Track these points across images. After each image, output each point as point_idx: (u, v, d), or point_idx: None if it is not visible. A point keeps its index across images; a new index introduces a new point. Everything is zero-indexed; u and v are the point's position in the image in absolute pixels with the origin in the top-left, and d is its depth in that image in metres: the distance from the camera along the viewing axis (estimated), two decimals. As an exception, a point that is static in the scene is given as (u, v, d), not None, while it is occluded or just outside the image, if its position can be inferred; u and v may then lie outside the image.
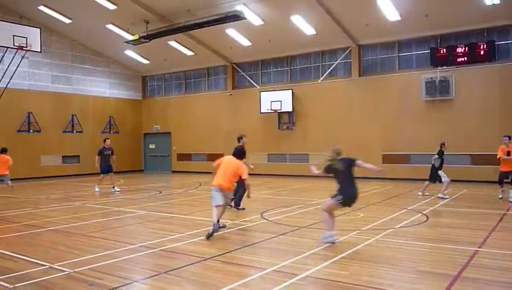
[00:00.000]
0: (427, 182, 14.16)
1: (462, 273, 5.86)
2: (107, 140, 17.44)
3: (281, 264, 6.32)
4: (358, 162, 7.68)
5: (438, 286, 5.37)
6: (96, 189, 16.77)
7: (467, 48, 18.02)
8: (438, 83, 18.42)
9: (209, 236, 8.02)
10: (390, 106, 19.93)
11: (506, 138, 12.68)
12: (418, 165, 18.99)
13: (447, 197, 13.55)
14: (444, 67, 18.43)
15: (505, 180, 12.84)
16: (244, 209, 11.59)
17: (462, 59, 18.11)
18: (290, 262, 6.43)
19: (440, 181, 13.66)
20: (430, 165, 14.07)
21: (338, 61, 21.73)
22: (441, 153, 13.87)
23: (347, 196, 7.56)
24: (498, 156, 12.80)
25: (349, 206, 7.82)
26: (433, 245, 7.50)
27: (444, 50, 18.49)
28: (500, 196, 12.92)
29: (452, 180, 17.37)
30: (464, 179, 17.76)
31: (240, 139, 11.70)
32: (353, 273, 5.90)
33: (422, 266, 6.28)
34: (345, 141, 20.95)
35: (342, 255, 6.76)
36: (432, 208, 11.47)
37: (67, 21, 22.68)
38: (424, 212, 10.85)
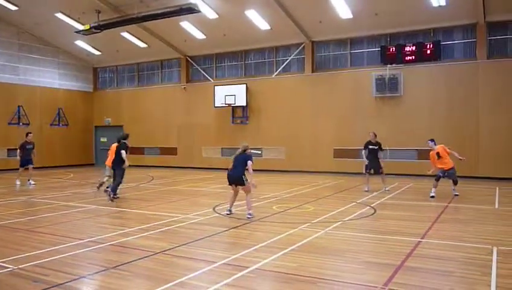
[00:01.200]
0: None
1: (405, 263, 6.13)
2: (29, 134, 16.91)
3: (231, 257, 6.39)
4: (249, 162, 9.63)
5: (382, 275, 5.59)
6: (17, 182, 16.31)
7: (414, 47, 18.69)
8: (388, 80, 19.01)
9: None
10: (342, 102, 20.39)
11: (431, 143, 12.81)
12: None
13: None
14: (393, 65, 19.04)
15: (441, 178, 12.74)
16: (118, 197, 12.39)
17: (410, 58, 18.77)
18: (240, 255, 6.50)
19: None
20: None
21: (292, 57, 21.99)
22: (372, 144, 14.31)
23: (229, 175, 9.86)
24: (431, 161, 12.83)
25: (232, 183, 9.84)
26: (379, 237, 7.79)
27: (393, 48, 19.10)
28: (432, 195, 12.48)
29: (399, 174, 18.07)
30: (410, 173, 18.47)
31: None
32: (302, 265, 6.05)
33: (368, 257, 6.53)
34: (298, 136, 21.36)
35: (291, 248, 6.90)
36: (379, 201, 11.87)
37: (14, 8, 21.65)
38: (372, 205, 11.21)
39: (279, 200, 12.36)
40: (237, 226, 8.66)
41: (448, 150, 12.70)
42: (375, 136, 14.54)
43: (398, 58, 18.93)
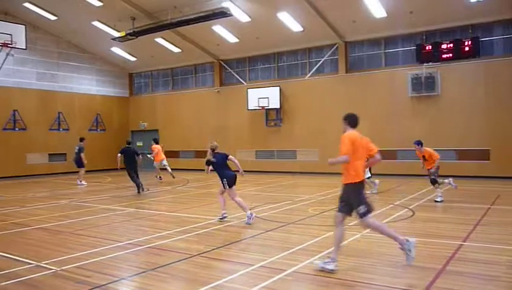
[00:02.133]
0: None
1: (447, 266, 5.96)
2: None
3: (269, 260, 6.37)
4: (231, 157, 9.74)
5: (422, 279, 5.46)
6: (84, 183, 16.89)
7: (452, 44, 18.20)
8: (424, 79, 18.59)
9: None
10: (376, 102, 20.08)
11: (416, 144, 12.59)
12: (405, 161, 19.19)
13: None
14: (430, 63, 18.57)
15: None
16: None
17: (448, 55, 18.29)
18: (277, 258, 6.48)
19: None
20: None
21: (325, 58, 21.82)
22: None
23: (228, 177, 9.52)
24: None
25: (233, 185, 9.57)
26: (419, 239, 7.54)
27: (430, 46, 18.65)
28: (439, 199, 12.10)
29: (439, 175, 17.59)
30: (448, 174, 17.96)
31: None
32: (340, 267, 5.96)
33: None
34: (332, 137, 21.09)
35: (329, 250, 6.81)
36: (417, 203, 11.60)
37: (53, 18, 22.43)
38: (410, 207, 10.97)
39: (314, 202, 12.26)
40: (273, 229, 8.63)
41: (434, 157, 12.31)
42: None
43: (434, 56, 18.47)
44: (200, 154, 25.68)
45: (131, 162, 15.23)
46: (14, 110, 22.74)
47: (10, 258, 6.77)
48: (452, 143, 18.28)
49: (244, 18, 19.91)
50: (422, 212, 10.29)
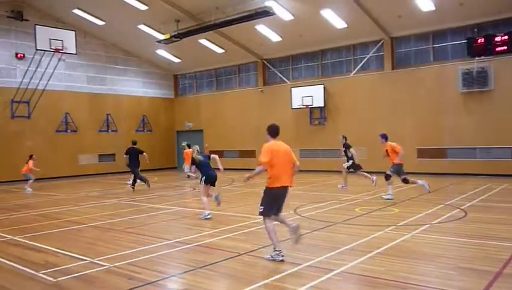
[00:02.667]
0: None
1: (505, 269, 5.69)
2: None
3: (316, 259, 6.30)
4: (213, 155, 10.79)
5: (478, 282, 5.24)
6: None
7: (506, 36, 17.34)
8: (476, 74, 17.86)
9: None
10: (425, 99, 19.49)
11: (381, 138, 13.25)
12: (456, 159, 18.56)
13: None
14: (482, 57, 17.80)
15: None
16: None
17: (502, 48, 17.42)
18: (324, 258, 6.40)
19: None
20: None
21: (370, 55, 21.41)
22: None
23: (209, 177, 10.34)
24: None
25: (213, 184, 10.47)
26: (473, 241, 7.31)
27: (482, 39, 17.83)
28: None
29: (492, 175, 16.93)
30: (503, 174, 17.24)
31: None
32: (389, 269, 5.82)
33: (461, 262, 6.14)
34: (378, 135, 20.68)
35: (378, 251, 6.68)
36: (469, 204, 11.17)
37: (101, 23, 23.18)
38: (462, 207, 10.58)
39: (361, 202, 12.05)
40: (319, 229, 8.54)
41: (397, 150, 12.60)
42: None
43: (487, 49, 17.64)
44: (244, 153, 25.84)
45: (135, 161, 16.50)
46: (66, 113, 23.66)
47: (66, 254, 7.04)
48: (507, 141, 17.49)
49: (287, 16, 19.84)
50: (475, 213, 9.88)
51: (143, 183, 16.63)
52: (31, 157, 17.84)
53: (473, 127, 17.96)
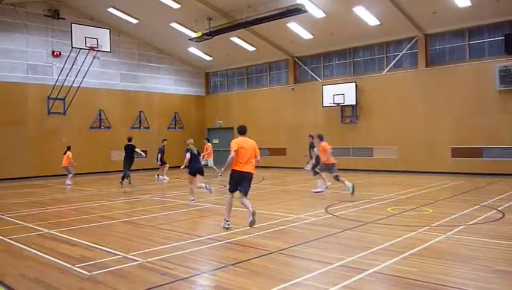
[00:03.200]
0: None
1: (545, 273, 5.50)
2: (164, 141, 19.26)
3: (348, 259, 6.23)
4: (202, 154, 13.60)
5: (518, 286, 5.07)
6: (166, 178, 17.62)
7: (546, 33, 16.79)
8: (513, 71, 17.32)
9: None
10: (460, 98, 19.01)
11: (318, 138, 14.32)
12: (492, 159, 18.05)
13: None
14: (520, 54, 17.28)
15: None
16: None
17: (541, 45, 16.88)
18: (356, 257, 6.32)
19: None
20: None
21: (403, 52, 21.02)
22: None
23: (192, 168, 12.14)
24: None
25: (199, 174, 12.28)
26: (511, 243, 7.08)
27: (520, 36, 17.31)
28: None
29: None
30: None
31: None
32: (423, 270, 5.70)
33: (500, 265, 5.95)
34: (411, 134, 20.36)
35: (411, 252, 6.55)
36: (507, 205, 10.83)
37: (135, 21, 23.56)
38: (499, 208, 10.27)
39: (393, 201, 11.85)
40: (351, 228, 8.44)
41: (326, 149, 13.54)
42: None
43: (525, 46, 17.13)
44: (275, 151, 25.81)
45: (129, 157, 17.16)
46: (100, 110, 24.16)
47: (99, 249, 7.18)
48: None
49: (319, 14, 19.69)
50: (514, 214, 9.58)
51: (127, 179, 17.00)
52: (68, 148, 18.39)
53: (510, 126, 17.40)
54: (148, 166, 24.98)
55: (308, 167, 15.18)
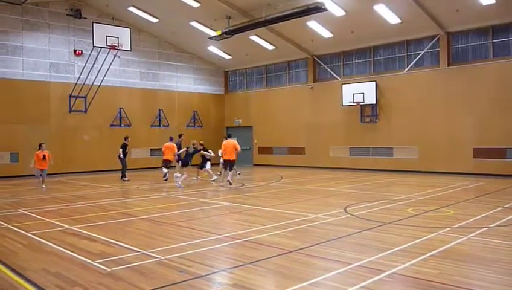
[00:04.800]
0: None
1: None
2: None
3: (367, 259, 6.18)
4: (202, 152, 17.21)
5: (542, 290, 4.95)
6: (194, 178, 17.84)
7: None
8: (539, 70, 16.93)
9: None
10: (483, 97, 18.65)
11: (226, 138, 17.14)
12: (515, 160, 17.70)
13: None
14: (546, 53, 16.88)
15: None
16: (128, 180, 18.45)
17: None
18: (375, 258, 6.26)
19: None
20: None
21: (425, 51, 20.71)
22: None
23: (183, 161, 16.41)
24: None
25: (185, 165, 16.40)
26: (535, 246, 6.93)
27: (546, 34, 16.90)
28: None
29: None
30: None
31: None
32: (444, 272, 5.62)
33: (523, 268, 5.83)
34: (432, 134, 20.08)
35: (431, 253, 6.46)
36: (531, 206, 10.60)
37: (155, 20, 23.74)
38: (522, 210, 10.07)
39: (413, 202, 11.71)
40: (370, 228, 8.37)
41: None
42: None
43: (551, 45, 16.72)
44: (293, 150, 25.76)
45: (125, 154, 19.01)
46: (120, 108, 24.43)
47: (119, 245, 7.26)
48: None
49: (339, 12, 19.54)
50: (538, 217, 9.37)
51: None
52: (40, 146, 18.03)
53: (536, 126, 17.07)
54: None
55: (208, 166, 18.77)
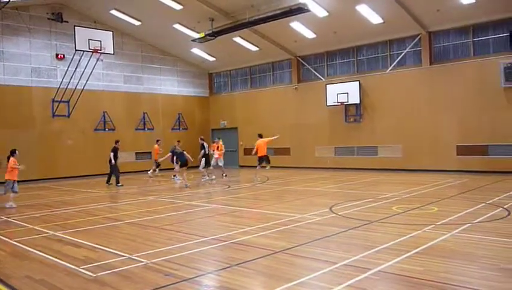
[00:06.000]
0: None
1: (552, 271, 5.46)
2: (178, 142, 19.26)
3: (353, 258, 6.21)
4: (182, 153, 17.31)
5: (525, 284, 5.03)
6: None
7: (550, 29, 16.69)
8: (519, 68, 17.23)
9: None
10: (464, 95, 18.93)
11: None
12: (497, 157, 17.96)
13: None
14: (525, 51, 17.17)
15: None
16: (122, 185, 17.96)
17: (546, 41, 16.77)
18: (361, 256, 6.30)
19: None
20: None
21: (407, 50, 20.94)
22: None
23: (183, 160, 17.26)
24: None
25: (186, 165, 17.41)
26: (518, 241, 7.05)
27: (525, 33, 17.20)
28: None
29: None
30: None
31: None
32: (429, 269, 5.68)
33: (505, 263, 5.90)
34: (416, 132, 20.32)
35: (416, 250, 6.53)
36: (513, 202, 10.78)
37: (137, 23, 23.60)
38: (505, 206, 10.21)
39: (398, 200, 11.82)
40: (356, 227, 8.42)
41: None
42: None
43: (530, 43, 17.01)
44: (279, 151, 25.79)
45: (117, 158, 18.56)
46: (104, 112, 24.21)
47: (104, 250, 7.20)
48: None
49: (321, 13, 19.65)
50: (520, 212, 9.52)
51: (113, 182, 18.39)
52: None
53: (516, 123, 17.37)
54: (152, 167, 25.03)
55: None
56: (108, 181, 18.81)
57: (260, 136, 19.11)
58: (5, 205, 12.63)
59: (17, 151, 13.46)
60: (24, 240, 8.21)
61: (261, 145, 18.41)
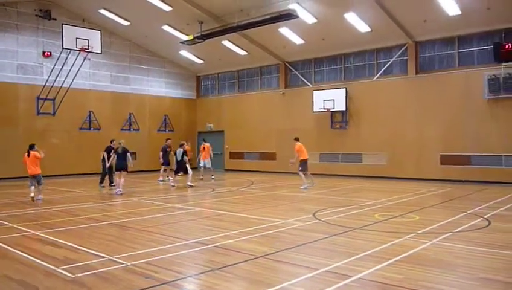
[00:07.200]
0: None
1: (528, 281, 5.54)
2: (168, 140, 19.74)
3: (334, 265, 6.24)
4: (128, 154, 15.87)
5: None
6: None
7: (534, 42, 16.98)
8: (503, 80, 17.47)
9: None
10: (449, 105, 19.16)
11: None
12: (480, 167, 18.20)
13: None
14: (509, 63, 17.43)
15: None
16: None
17: (529, 54, 17.05)
18: (342, 263, 6.33)
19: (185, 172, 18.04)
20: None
21: (394, 59, 21.16)
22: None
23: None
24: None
25: (124, 170, 15.72)
26: (497, 251, 7.13)
27: (509, 45, 17.42)
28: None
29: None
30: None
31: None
32: (408, 277, 5.72)
33: (485, 273, 5.97)
34: (401, 141, 20.50)
35: (396, 258, 6.58)
36: (494, 212, 10.92)
37: (126, 23, 23.48)
38: (485, 216, 10.35)
39: (381, 208, 11.90)
40: (338, 234, 8.46)
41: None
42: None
43: (514, 55, 17.29)
44: (264, 156, 25.84)
45: (110, 158, 17.65)
46: (90, 111, 24.01)
47: (84, 251, 7.13)
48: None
49: (310, 19, 19.77)
50: (500, 223, 9.65)
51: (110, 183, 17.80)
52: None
53: (499, 134, 17.60)
54: (138, 168, 24.85)
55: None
56: (101, 182, 17.84)
57: (297, 139, 17.54)
58: (38, 197, 13.56)
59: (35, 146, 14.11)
60: (3, 238, 8.09)
61: (303, 147, 17.07)
